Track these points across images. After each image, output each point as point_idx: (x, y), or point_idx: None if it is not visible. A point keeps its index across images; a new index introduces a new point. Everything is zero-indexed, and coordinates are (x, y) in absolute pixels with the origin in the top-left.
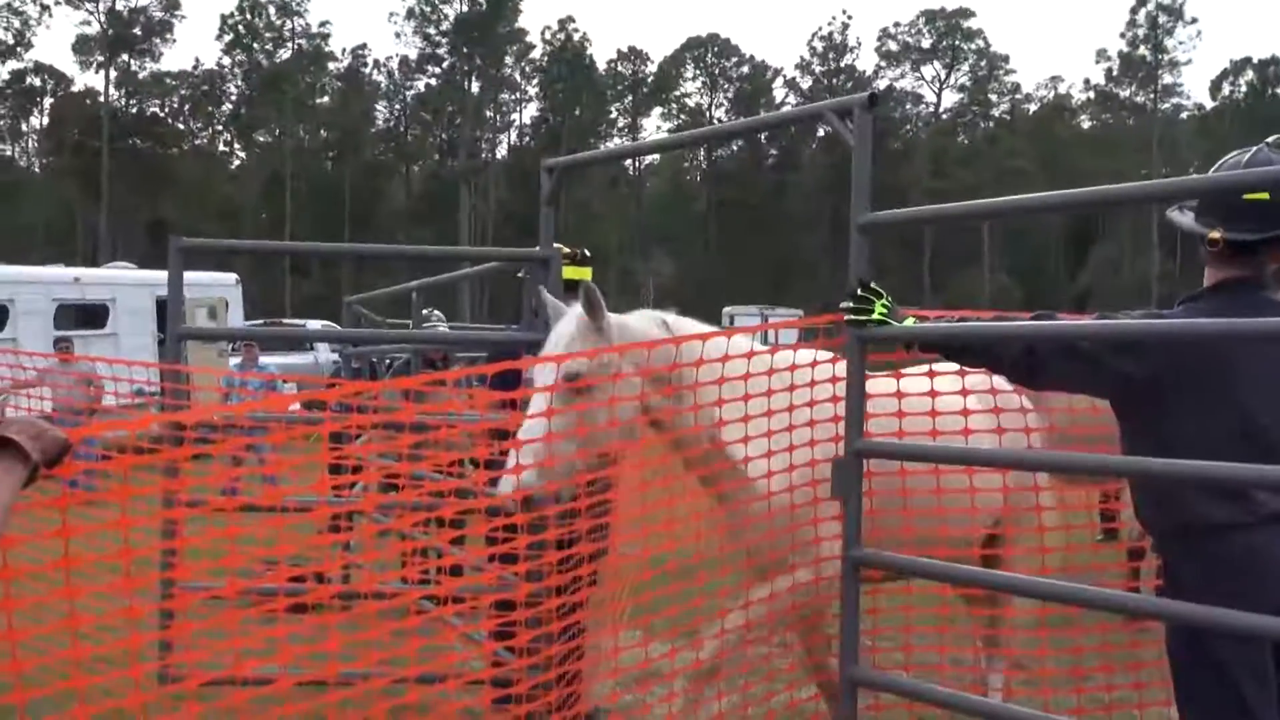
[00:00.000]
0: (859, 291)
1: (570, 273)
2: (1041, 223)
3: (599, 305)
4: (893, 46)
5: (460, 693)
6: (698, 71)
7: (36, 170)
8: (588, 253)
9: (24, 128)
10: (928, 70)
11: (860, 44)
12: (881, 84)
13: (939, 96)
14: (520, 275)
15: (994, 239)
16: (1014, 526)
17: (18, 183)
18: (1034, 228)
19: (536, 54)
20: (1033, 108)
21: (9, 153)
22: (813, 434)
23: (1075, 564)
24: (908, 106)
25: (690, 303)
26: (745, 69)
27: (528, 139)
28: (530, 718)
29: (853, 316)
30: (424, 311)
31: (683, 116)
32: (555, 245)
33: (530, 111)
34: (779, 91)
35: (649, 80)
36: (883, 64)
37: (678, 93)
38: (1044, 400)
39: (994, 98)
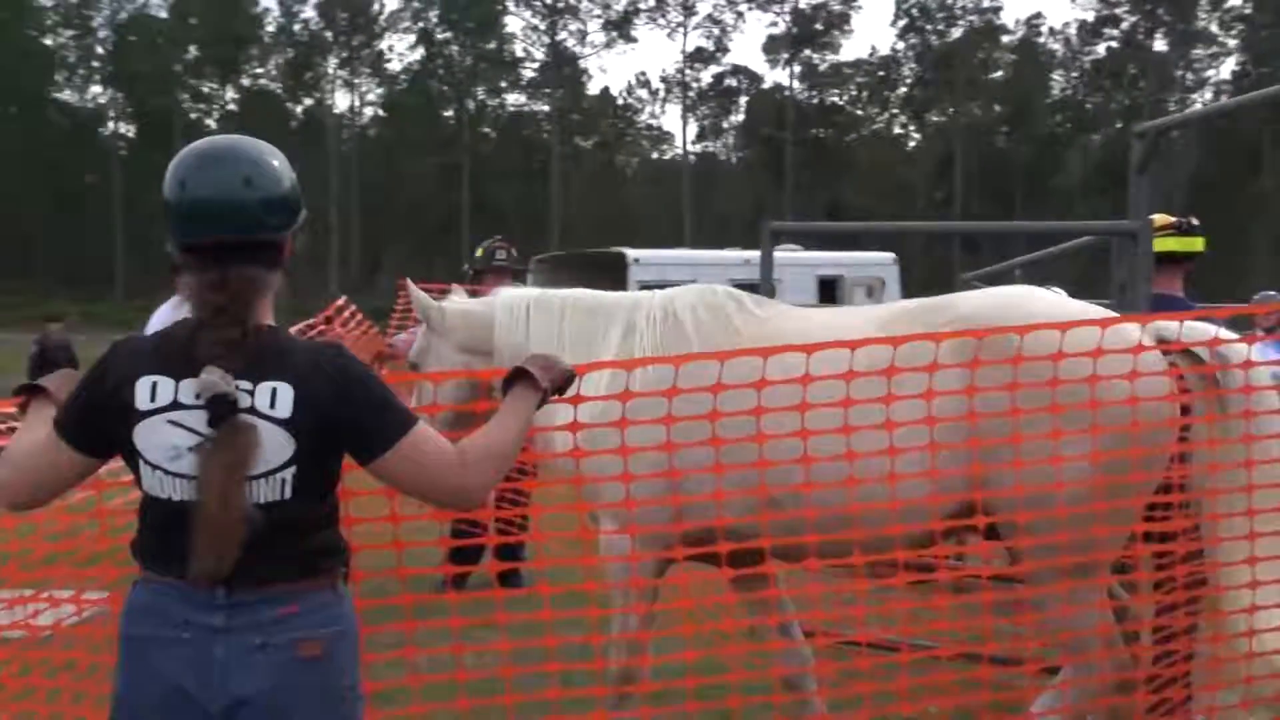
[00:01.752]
0: None
1: (1174, 244)
2: None
3: (416, 299)
4: None
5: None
6: None
7: (733, 163)
8: (1194, 221)
9: (724, 125)
10: None
11: None
12: None
13: None
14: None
15: None
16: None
17: (717, 175)
18: None
19: (1236, 0)
20: None
21: (711, 148)
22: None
23: None
24: None
25: None
26: None
27: (1226, 96)
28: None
29: None
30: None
31: None
32: (1152, 216)
33: (1230, 66)
34: None
35: None
36: None
37: None
38: None
39: None
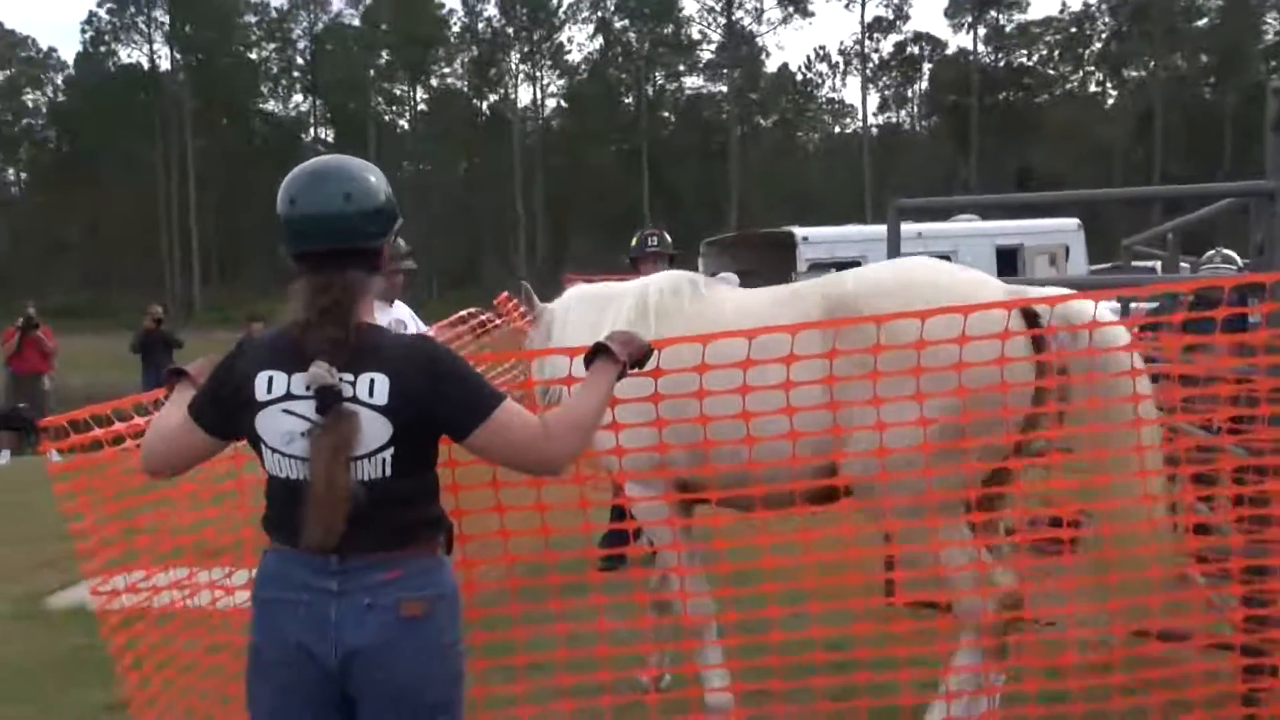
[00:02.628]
0: None
1: None
2: None
3: (524, 298)
4: None
5: (1203, 655)
6: None
7: (917, 132)
8: None
9: (908, 94)
10: None
11: None
12: None
13: None
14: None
15: None
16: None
17: (899, 147)
18: None
19: None
20: None
21: (894, 119)
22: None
23: None
24: None
25: None
26: None
27: None
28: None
29: None
30: (1209, 253)
31: None
32: None
33: None
34: None
35: None
36: None
37: None
38: None
39: None
